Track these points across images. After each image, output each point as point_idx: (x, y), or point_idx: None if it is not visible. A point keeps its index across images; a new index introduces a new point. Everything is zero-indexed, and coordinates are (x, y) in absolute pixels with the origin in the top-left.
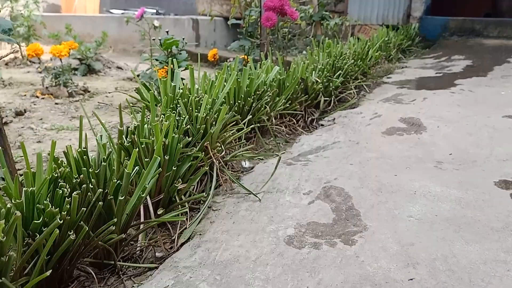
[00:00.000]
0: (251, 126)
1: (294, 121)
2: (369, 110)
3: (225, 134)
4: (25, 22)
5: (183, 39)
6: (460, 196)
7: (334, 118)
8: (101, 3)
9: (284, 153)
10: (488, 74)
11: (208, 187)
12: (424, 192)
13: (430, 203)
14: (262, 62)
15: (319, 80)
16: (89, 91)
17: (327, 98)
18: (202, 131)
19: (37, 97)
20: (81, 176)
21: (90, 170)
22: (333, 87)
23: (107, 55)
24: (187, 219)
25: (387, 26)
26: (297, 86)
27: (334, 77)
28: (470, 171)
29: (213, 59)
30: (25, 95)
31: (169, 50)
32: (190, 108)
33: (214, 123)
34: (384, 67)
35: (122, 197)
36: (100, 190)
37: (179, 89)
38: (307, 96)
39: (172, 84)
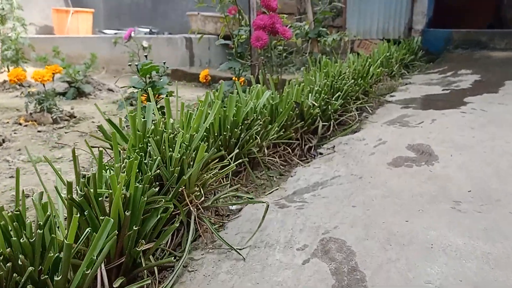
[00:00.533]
0: (239, 161)
1: (289, 150)
2: (373, 135)
3: (205, 175)
4: (13, 45)
5: (164, 63)
6: (487, 250)
7: (334, 146)
8: (94, 23)
9: (277, 189)
10: (499, 90)
11: (185, 239)
12: (443, 246)
13: (452, 261)
14: (253, 86)
15: (316, 104)
16: (75, 117)
17: (326, 123)
18: (177, 175)
19: (20, 124)
20: (8, 250)
21: (22, 240)
22: (332, 110)
23: (99, 76)
24: (156, 282)
25: (388, 40)
26: (291, 112)
27: (333, 99)
28: (494, 214)
29: (204, 81)
30: (7, 122)
31: (148, 76)
32: (164, 147)
33: (192, 163)
34: (386, 84)
35: (59, 277)
36: (31, 268)
37: (152, 123)
38: (303, 122)
39: (143, 119)
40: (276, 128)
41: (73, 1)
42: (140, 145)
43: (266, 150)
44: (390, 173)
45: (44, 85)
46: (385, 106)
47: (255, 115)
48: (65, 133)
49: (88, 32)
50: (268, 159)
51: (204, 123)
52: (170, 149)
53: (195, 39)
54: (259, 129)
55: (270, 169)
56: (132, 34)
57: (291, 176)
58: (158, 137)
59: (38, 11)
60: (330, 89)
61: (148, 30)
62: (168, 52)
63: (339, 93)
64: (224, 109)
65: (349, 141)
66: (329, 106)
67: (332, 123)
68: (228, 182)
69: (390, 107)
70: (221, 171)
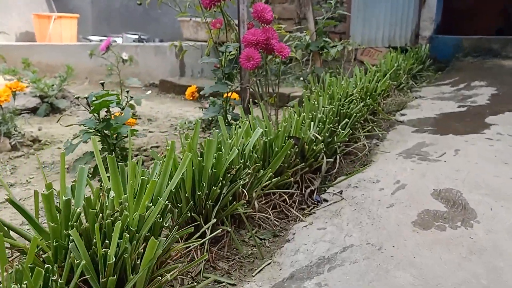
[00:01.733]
0: (218, 231)
1: (286, 198)
2: (388, 174)
3: (160, 277)
4: None
5: (128, 91)
6: None
7: (342, 191)
8: (82, 29)
9: (270, 263)
10: None
11: None
12: None
13: None
14: (241, 119)
15: (319, 137)
16: (39, 141)
17: (331, 159)
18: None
19: None
20: None
21: None
22: (338, 142)
23: (81, 88)
24: None
25: (394, 48)
26: (289, 151)
27: (339, 127)
28: None
29: (191, 98)
30: None
31: (106, 109)
32: (97, 240)
33: (140, 261)
34: (395, 99)
35: None
36: None
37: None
38: (304, 163)
39: (66, 197)
40: (270, 173)
41: (58, 5)
42: (55, 243)
43: (256, 203)
44: (418, 241)
45: (1, 106)
46: (397, 128)
47: (242, 161)
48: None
49: (72, 39)
50: (260, 215)
51: (167, 187)
52: (107, 241)
53: (187, 47)
54: (247, 179)
55: (262, 227)
56: (114, 43)
57: (288, 241)
58: (89, 224)
59: (18, 15)
60: (335, 116)
61: (136, 36)
62: (156, 61)
63: (346, 120)
64: (200, 159)
65: (359, 184)
66: (335, 137)
67: (338, 157)
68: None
69: (402, 130)
70: (186, 266)
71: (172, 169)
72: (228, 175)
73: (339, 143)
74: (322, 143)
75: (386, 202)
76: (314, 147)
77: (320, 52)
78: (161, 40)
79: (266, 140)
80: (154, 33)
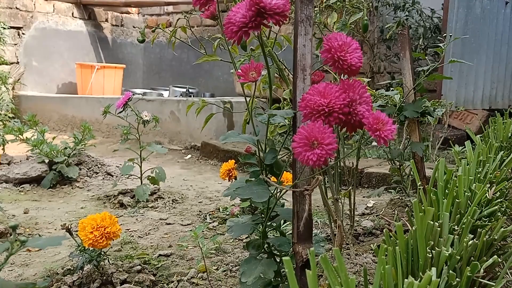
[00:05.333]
0: None
1: None
2: None
3: None
4: None
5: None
6: None
7: None
8: (130, 81)
9: None
10: None
11: None
12: None
13: None
14: None
15: None
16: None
17: None
18: None
19: None
20: None
21: None
22: None
23: (116, 146)
24: None
25: (493, 111)
26: None
27: (481, 270)
28: None
29: (226, 178)
30: None
31: None
32: None
33: None
34: None
35: None
36: None
37: None
38: None
39: None
40: None
41: (108, 55)
42: None
43: None
44: None
45: None
46: None
47: None
48: None
49: (116, 91)
50: None
51: None
52: None
53: (237, 104)
54: None
55: None
56: (132, 99)
57: None
58: None
59: (61, 66)
60: (479, 252)
61: (184, 89)
62: (200, 119)
63: (495, 258)
64: None
65: None
66: None
67: None
68: None
69: None
70: None
71: None
72: None
73: None
74: None
75: None
76: None
77: (420, 120)
78: (212, 94)
79: None
80: (205, 87)
